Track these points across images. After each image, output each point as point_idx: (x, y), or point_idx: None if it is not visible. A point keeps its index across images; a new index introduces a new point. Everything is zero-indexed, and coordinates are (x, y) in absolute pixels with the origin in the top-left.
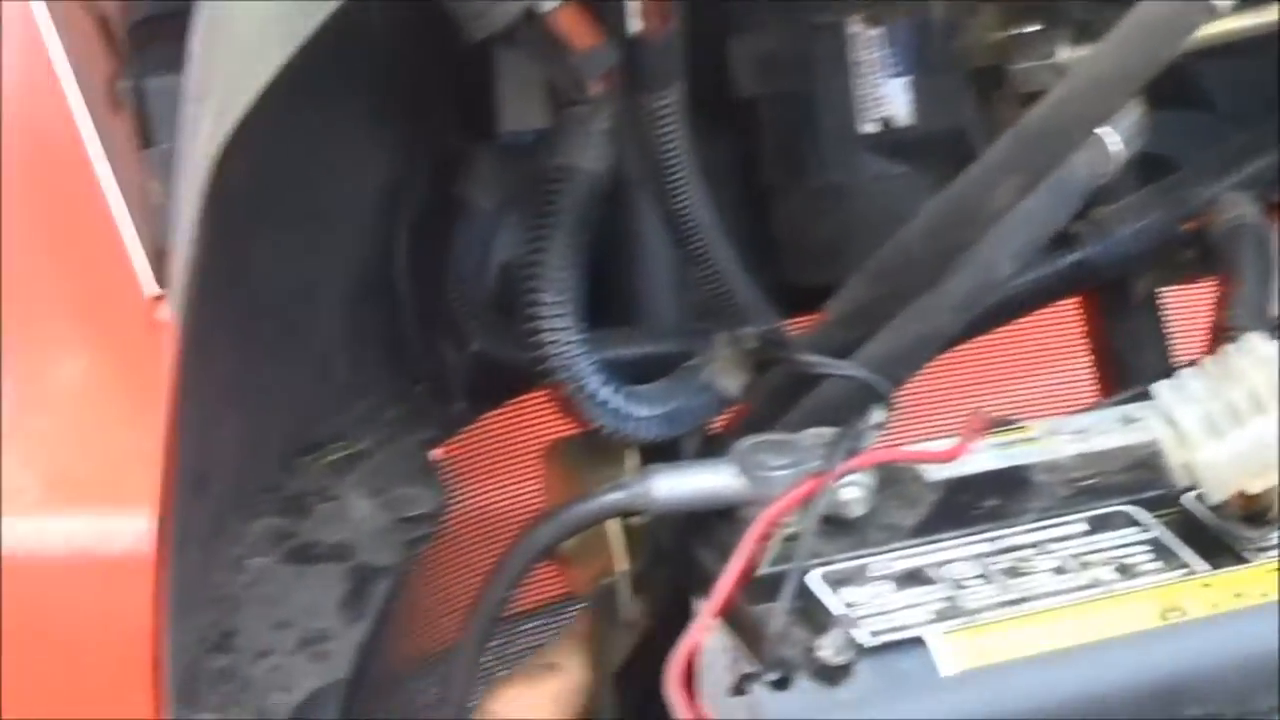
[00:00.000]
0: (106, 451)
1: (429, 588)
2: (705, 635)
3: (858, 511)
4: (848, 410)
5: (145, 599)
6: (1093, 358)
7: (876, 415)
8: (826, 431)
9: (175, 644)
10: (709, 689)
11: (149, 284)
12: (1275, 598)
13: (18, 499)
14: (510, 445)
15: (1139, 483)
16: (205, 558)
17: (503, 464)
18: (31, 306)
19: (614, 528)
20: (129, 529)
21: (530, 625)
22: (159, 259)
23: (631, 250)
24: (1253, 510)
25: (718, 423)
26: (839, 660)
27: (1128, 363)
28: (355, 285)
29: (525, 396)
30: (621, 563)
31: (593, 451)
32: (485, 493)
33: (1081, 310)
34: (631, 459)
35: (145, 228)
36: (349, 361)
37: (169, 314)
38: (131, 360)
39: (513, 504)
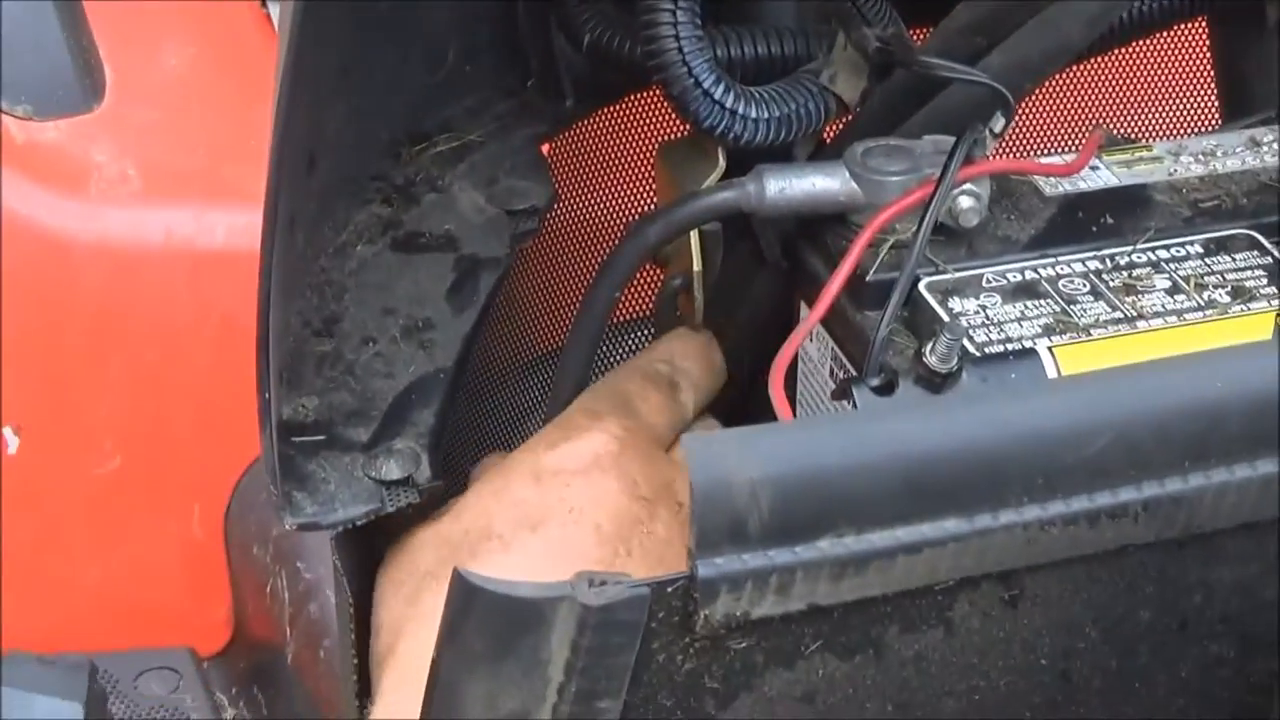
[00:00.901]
0: (209, 145)
1: (534, 288)
2: (809, 340)
3: (971, 221)
4: (968, 118)
5: (241, 291)
6: (1218, 84)
7: (997, 124)
8: (944, 139)
9: (279, 326)
10: (810, 394)
11: None
12: None
13: (118, 189)
14: (619, 146)
15: (1262, 207)
16: (311, 241)
17: (610, 164)
18: None
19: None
20: (228, 222)
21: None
22: None
23: None
24: None
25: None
26: (945, 367)
27: (1255, 89)
28: None
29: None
30: (696, 264)
31: (702, 154)
32: (589, 193)
33: (1210, 34)
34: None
35: None
36: (461, 53)
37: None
38: (238, 56)
39: (618, 207)
